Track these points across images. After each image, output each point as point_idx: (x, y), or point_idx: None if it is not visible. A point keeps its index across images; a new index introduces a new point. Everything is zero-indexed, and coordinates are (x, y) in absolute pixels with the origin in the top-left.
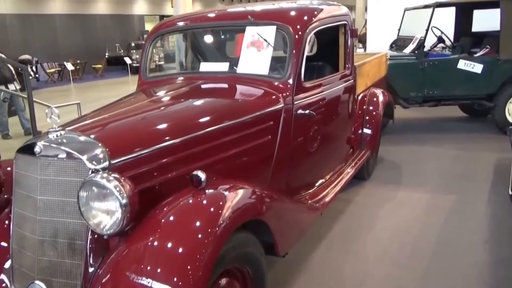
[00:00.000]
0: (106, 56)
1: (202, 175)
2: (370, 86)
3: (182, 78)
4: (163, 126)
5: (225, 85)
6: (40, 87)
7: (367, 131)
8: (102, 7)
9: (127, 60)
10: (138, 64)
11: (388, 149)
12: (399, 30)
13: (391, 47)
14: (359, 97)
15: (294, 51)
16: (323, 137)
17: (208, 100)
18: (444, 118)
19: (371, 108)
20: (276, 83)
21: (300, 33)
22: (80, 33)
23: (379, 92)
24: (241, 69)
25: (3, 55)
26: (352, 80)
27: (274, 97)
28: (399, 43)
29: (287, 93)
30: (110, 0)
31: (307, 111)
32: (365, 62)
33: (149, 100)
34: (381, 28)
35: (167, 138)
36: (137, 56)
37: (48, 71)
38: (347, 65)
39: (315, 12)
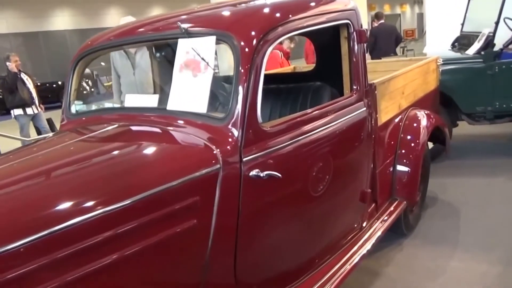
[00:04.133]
0: None
1: None
2: (409, 107)
3: (110, 115)
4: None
5: (143, 132)
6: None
7: (401, 172)
8: None
9: None
10: None
11: (443, 183)
12: (462, 24)
13: (452, 46)
14: (390, 126)
15: (241, 74)
16: (309, 204)
17: (90, 167)
18: None
19: (408, 138)
20: (215, 128)
21: (251, 44)
22: None
23: (421, 114)
24: (172, 104)
25: (27, 77)
26: (365, 108)
27: (205, 153)
28: (463, 41)
29: (230, 145)
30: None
31: (268, 172)
32: (394, 76)
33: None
34: (442, 23)
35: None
36: None
37: (105, 84)
38: (354, 86)
39: (282, 11)
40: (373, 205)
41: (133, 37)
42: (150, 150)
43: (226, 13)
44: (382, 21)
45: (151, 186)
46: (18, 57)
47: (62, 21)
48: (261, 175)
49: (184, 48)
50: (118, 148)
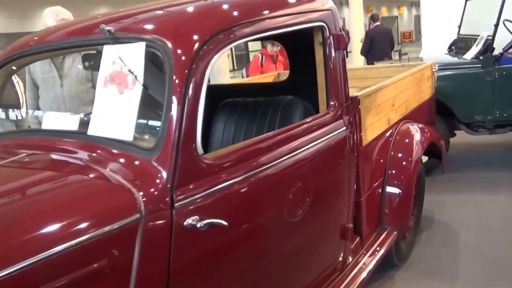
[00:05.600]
0: None
1: None
2: (400, 120)
3: (13, 140)
4: None
5: (44, 168)
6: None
7: (391, 196)
8: None
9: None
10: None
11: (441, 201)
12: (459, 27)
13: (449, 50)
14: (378, 143)
15: (175, 91)
16: (271, 250)
17: None
18: None
19: (399, 156)
20: (141, 162)
21: (189, 51)
22: None
23: (414, 128)
24: (93, 128)
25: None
26: (344, 128)
27: (120, 199)
28: (460, 45)
29: (156, 187)
30: None
31: (210, 220)
32: (382, 87)
33: None
34: (438, 25)
35: None
36: None
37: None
38: (332, 102)
39: (235, 11)
40: (358, 239)
41: (54, 43)
42: (41, 197)
43: (163, 13)
44: (378, 23)
45: (28, 254)
46: None
47: None
48: (199, 225)
49: (110, 57)
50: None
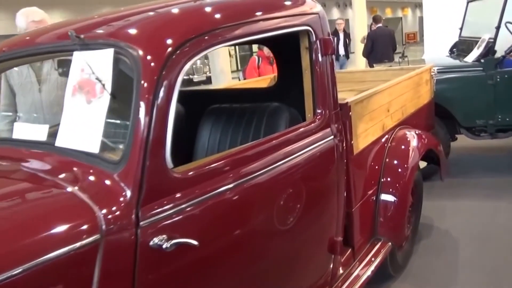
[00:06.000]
0: None
1: None
2: (396, 126)
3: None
4: None
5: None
6: None
7: (385, 205)
8: None
9: None
10: (187, 76)
11: (441, 207)
12: (461, 29)
13: (451, 52)
14: (372, 150)
15: (142, 99)
16: (250, 267)
17: None
18: None
19: (394, 163)
20: (106, 177)
21: (159, 57)
22: None
23: (411, 135)
24: (61, 139)
25: None
26: (332, 137)
27: (78, 218)
28: (461, 47)
29: (119, 204)
30: None
31: (179, 240)
32: (375, 92)
33: None
34: (440, 27)
35: None
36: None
37: None
38: (319, 110)
39: (212, 14)
40: (349, 251)
41: (27, 49)
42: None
43: (138, 17)
44: (380, 24)
45: None
46: None
47: None
48: (166, 245)
49: (79, 64)
50: None
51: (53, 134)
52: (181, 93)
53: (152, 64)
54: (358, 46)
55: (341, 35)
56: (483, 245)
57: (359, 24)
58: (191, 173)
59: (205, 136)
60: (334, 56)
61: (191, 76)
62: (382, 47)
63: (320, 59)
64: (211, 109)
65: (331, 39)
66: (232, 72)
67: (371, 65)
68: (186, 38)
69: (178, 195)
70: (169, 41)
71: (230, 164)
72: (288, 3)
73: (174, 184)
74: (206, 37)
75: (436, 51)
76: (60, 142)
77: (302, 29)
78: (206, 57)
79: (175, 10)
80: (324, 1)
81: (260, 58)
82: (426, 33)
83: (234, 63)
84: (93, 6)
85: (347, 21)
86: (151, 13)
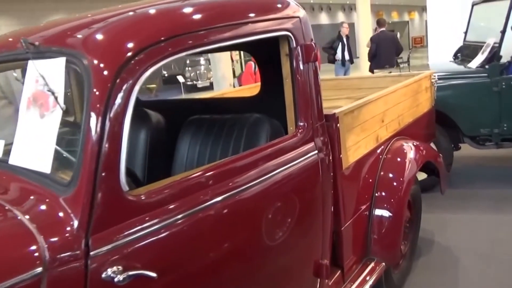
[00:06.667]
0: (165, 75)
1: None
2: (392, 136)
3: None
4: None
5: None
6: None
7: (379, 222)
8: None
9: (180, 79)
10: (191, 82)
11: (442, 220)
12: (465, 33)
13: (455, 57)
14: (365, 164)
15: (93, 112)
16: None
17: None
18: None
19: (390, 177)
20: (56, 200)
21: (112, 66)
22: None
23: (408, 146)
24: (14, 157)
25: None
26: (316, 152)
27: (19, 249)
28: (466, 52)
29: (64, 234)
30: None
31: (135, 272)
32: (367, 102)
33: None
34: (445, 31)
35: None
36: (192, 74)
37: None
38: (301, 122)
39: (172, 21)
40: (338, 272)
41: None
42: None
43: (89, 24)
44: (383, 28)
45: None
46: None
47: None
48: (120, 278)
49: (33, 74)
50: None
51: (8, 152)
52: (162, 103)
53: (105, 72)
54: (362, 50)
55: (345, 40)
56: (486, 263)
57: (364, 28)
58: (151, 195)
59: (184, 149)
60: (317, 64)
61: (195, 82)
62: (385, 51)
63: (301, 67)
64: (191, 120)
65: (313, 45)
66: (235, 77)
67: (371, 70)
68: (142, 46)
69: (135, 221)
70: (124, 49)
71: (197, 185)
72: (265, 6)
73: (131, 208)
74: (164, 45)
75: (440, 56)
76: (13, 160)
77: (281, 34)
78: (209, 62)
79: (133, 16)
80: (329, 5)
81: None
82: (430, 37)
83: (239, 68)
84: (46, 12)
85: (352, 25)
86: (109, 20)
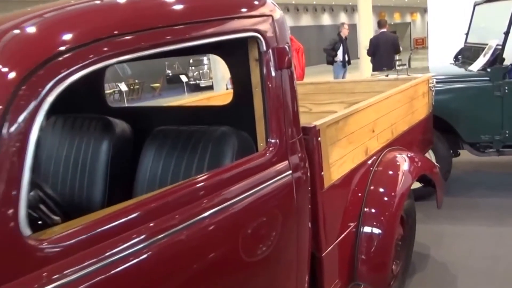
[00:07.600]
0: (169, 75)
1: None
2: (384, 148)
3: None
4: None
5: None
6: None
7: (366, 242)
8: None
9: (183, 78)
10: (194, 82)
11: (439, 233)
12: (467, 34)
13: (455, 59)
14: (352, 179)
15: None
16: None
17: None
18: None
19: (380, 191)
20: None
21: (11, 83)
22: None
23: (401, 158)
24: None
25: None
26: (290, 172)
27: None
28: (467, 54)
29: None
30: None
31: None
32: (354, 111)
33: None
34: (446, 32)
35: None
36: (195, 74)
37: (106, 92)
38: (272, 139)
39: (110, 17)
40: None
41: None
42: None
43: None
44: (384, 29)
45: None
46: None
47: None
48: None
49: None
50: None
51: None
52: (130, 110)
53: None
54: (363, 51)
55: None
56: (485, 280)
57: (365, 29)
58: (61, 240)
59: (147, 165)
60: (293, 70)
61: (198, 81)
62: (385, 52)
63: (273, 73)
64: (157, 131)
65: (287, 48)
66: None
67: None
68: (55, 53)
69: (39, 273)
70: (22, 65)
71: (127, 225)
72: (232, 2)
73: (34, 258)
74: (89, 48)
75: (441, 58)
76: None
77: (248, 35)
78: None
79: (37, 22)
80: (332, 6)
81: None
82: (431, 39)
83: None
84: None
85: (354, 26)
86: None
